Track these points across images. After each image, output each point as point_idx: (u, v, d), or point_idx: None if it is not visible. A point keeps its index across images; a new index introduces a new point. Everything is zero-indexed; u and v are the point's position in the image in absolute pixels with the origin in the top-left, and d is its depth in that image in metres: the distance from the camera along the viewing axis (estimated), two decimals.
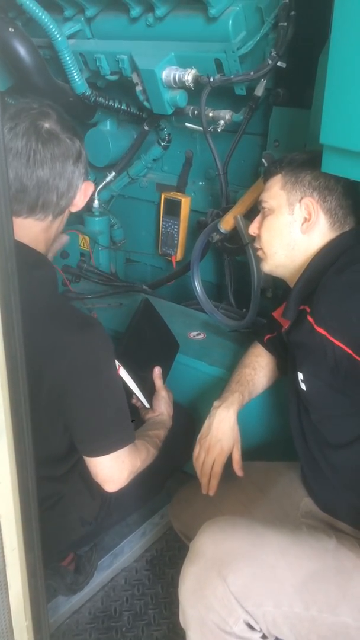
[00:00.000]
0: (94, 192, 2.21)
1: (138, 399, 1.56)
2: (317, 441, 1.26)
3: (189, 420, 1.61)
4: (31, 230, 1.20)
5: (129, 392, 1.55)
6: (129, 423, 1.27)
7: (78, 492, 1.35)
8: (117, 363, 1.46)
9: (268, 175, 1.33)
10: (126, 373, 1.48)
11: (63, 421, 1.23)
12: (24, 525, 0.85)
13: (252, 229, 1.36)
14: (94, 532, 1.45)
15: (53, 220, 1.24)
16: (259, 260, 1.39)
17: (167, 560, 1.80)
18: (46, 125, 1.19)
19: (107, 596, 1.70)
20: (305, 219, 1.25)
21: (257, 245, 1.35)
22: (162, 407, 1.55)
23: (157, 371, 1.58)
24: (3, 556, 0.85)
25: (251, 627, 1.08)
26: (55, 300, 1.24)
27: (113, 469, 1.25)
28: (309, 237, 1.26)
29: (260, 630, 1.08)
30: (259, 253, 1.35)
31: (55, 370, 1.14)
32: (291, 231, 1.27)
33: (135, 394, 1.54)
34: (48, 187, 1.18)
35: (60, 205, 1.23)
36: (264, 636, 1.10)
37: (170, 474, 1.62)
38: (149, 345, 1.62)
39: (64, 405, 1.20)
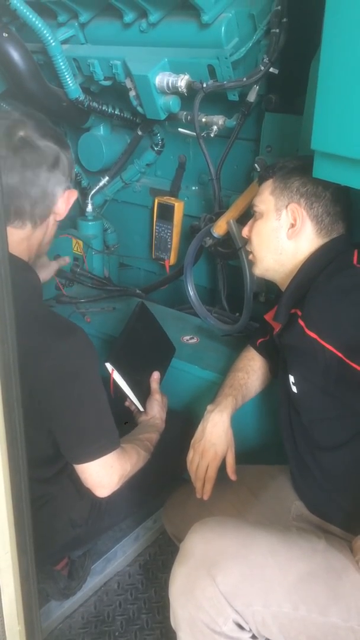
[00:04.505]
0: (88, 196, 2.21)
1: (132, 402, 1.56)
2: (307, 444, 1.26)
3: (187, 426, 1.61)
4: (11, 237, 1.21)
5: (123, 396, 1.55)
6: (112, 428, 1.27)
7: (67, 493, 1.35)
8: (110, 367, 1.47)
9: (261, 179, 1.35)
10: (120, 377, 1.48)
11: (47, 427, 1.23)
12: (17, 528, 0.85)
13: (244, 232, 1.38)
14: (85, 535, 1.44)
15: (33, 229, 1.24)
16: (250, 263, 1.41)
17: (160, 564, 1.80)
18: (20, 133, 1.20)
19: (100, 601, 1.69)
20: (291, 224, 1.27)
21: (248, 248, 1.37)
22: (155, 410, 1.55)
23: (156, 375, 1.58)
24: None
25: (241, 627, 1.08)
26: (37, 307, 1.24)
27: (101, 475, 1.25)
28: (295, 242, 1.27)
29: (250, 631, 1.08)
30: (250, 257, 1.37)
31: (35, 376, 1.14)
32: (278, 236, 1.28)
33: (129, 397, 1.54)
34: (18, 194, 1.19)
35: (36, 213, 1.23)
36: (253, 636, 1.10)
37: (168, 481, 1.61)
38: (144, 349, 1.62)
39: (46, 412, 1.20)
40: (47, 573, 1.59)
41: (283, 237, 1.28)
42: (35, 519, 1.28)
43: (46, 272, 1.77)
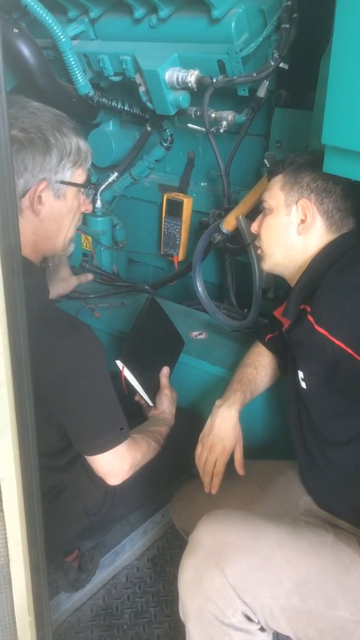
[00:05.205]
0: (97, 192, 2.21)
1: (142, 397, 1.57)
2: (315, 439, 1.26)
3: (195, 421, 1.61)
4: None
5: (133, 391, 1.56)
6: (122, 420, 1.28)
7: (81, 481, 1.36)
8: (120, 364, 1.47)
9: (271, 175, 1.35)
10: (130, 374, 1.49)
11: (57, 422, 1.25)
12: (28, 521, 0.86)
13: (253, 228, 1.38)
14: (98, 524, 1.46)
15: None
16: (259, 258, 1.41)
17: (168, 558, 1.81)
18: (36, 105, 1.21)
19: (109, 594, 1.71)
20: (302, 220, 1.26)
21: (257, 244, 1.37)
22: (165, 405, 1.56)
23: (165, 371, 1.59)
24: (7, 551, 0.86)
25: (249, 619, 1.09)
26: (42, 306, 1.24)
27: (113, 464, 1.27)
28: (305, 238, 1.27)
29: (259, 623, 1.09)
30: (259, 252, 1.37)
31: (43, 375, 1.13)
32: (288, 232, 1.28)
33: (139, 393, 1.55)
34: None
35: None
36: (262, 628, 1.11)
37: (177, 475, 1.62)
38: (154, 344, 1.63)
39: (56, 409, 1.21)
40: (58, 564, 1.61)
41: (293, 233, 1.28)
42: (50, 507, 1.31)
43: (65, 286, 1.76)
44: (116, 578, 1.75)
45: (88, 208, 1.36)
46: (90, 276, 1.91)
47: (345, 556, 1.09)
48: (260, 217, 1.36)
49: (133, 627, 1.61)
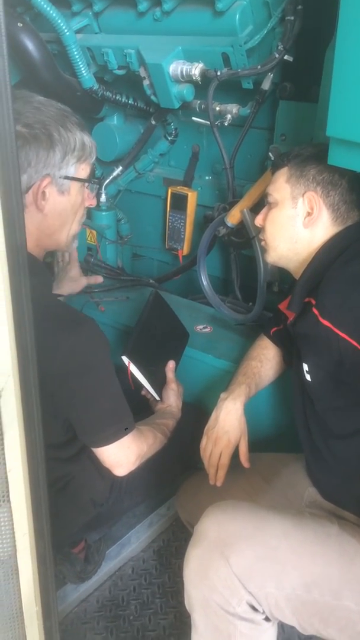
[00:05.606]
0: (102, 186, 2.22)
1: (148, 392, 1.58)
2: (321, 432, 1.27)
3: (200, 414, 1.62)
4: None
5: (139, 386, 1.57)
6: (127, 412, 1.29)
7: (88, 473, 1.37)
8: (126, 360, 1.48)
9: (275, 167, 1.34)
10: (136, 369, 1.50)
11: (62, 414, 1.26)
12: (34, 512, 0.87)
13: (258, 221, 1.37)
14: (105, 516, 1.47)
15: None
16: (263, 251, 1.40)
17: (173, 550, 1.82)
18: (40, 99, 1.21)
19: (115, 585, 1.72)
20: (308, 213, 1.26)
21: (261, 236, 1.37)
22: (172, 399, 1.57)
23: (171, 365, 1.60)
24: (14, 541, 0.87)
25: (254, 609, 1.09)
26: (46, 300, 1.24)
27: (119, 455, 1.28)
28: (311, 231, 1.27)
29: (263, 612, 1.10)
30: (262, 244, 1.37)
31: (47, 369, 1.14)
32: (294, 225, 1.28)
33: (145, 387, 1.56)
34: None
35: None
36: (267, 618, 1.11)
37: (183, 468, 1.63)
38: (159, 338, 1.63)
39: (61, 402, 1.22)
40: (65, 555, 1.63)
41: (299, 226, 1.28)
42: (57, 499, 1.32)
43: (74, 286, 1.76)
44: (122, 570, 1.77)
45: (92, 203, 1.36)
46: (100, 278, 1.92)
47: (350, 547, 1.10)
48: (264, 209, 1.36)
49: (139, 618, 1.62)
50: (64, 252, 1.73)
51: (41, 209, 1.23)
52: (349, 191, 1.26)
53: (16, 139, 0.70)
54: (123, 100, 2.00)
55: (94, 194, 1.37)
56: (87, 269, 2.17)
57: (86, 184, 1.31)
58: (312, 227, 1.26)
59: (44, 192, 1.22)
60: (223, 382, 1.51)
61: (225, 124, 1.76)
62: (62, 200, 1.26)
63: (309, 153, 1.29)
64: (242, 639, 1.10)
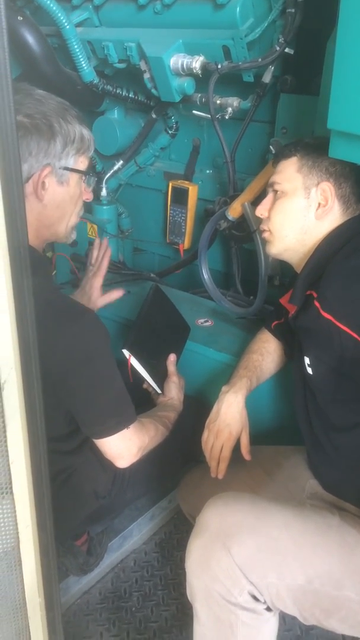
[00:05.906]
0: (103, 180, 2.21)
1: (150, 385, 1.58)
2: (322, 424, 1.27)
3: (202, 407, 1.62)
4: None
5: (141, 379, 1.57)
6: (128, 404, 1.29)
7: (90, 465, 1.38)
8: (127, 353, 1.48)
9: (280, 157, 1.32)
10: (137, 362, 1.50)
11: (64, 406, 1.26)
12: (37, 503, 0.88)
13: (261, 211, 1.35)
14: (108, 507, 1.48)
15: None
16: (265, 243, 1.39)
17: (175, 542, 1.83)
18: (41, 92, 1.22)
19: (117, 577, 1.73)
20: (320, 204, 1.25)
21: (264, 227, 1.34)
22: (173, 392, 1.58)
23: (172, 357, 1.60)
24: (17, 533, 0.88)
25: (256, 599, 1.10)
26: (46, 292, 1.23)
27: (121, 447, 1.29)
28: (321, 222, 1.26)
29: (265, 602, 1.11)
30: (266, 235, 1.34)
31: (48, 360, 1.14)
32: (306, 215, 1.27)
33: (146, 381, 1.57)
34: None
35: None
36: (268, 608, 1.12)
37: (185, 461, 1.64)
38: (160, 331, 1.64)
39: (62, 394, 1.22)
40: (67, 548, 1.64)
41: (311, 217, 1.26)
42: (60, 491, 1.33)
43: (99, 302, 1.67)
44: (124, 562, 1.78)
45: (89, 197, 1.37)
46: (121, 292, 1.73)
47: (351, 538, 1.10)
48: (268, 199, 1.34)
49: (141, 609, 1.63)
50: (96, 259, 1.71)
51: (41, 198, 1.23)
52: (358, 183, 1.26)
53: (18, 129, 0.71)
54: (124, 93, 2.00)
55: (90, 188, 1.38)
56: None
57: (83, 177, 1.31)
58: (323, 218, 1.26)
59: (43, 182, 1.22)
60: (224, 376, 1.51)
61: (226, 118, 1.75)
62: (61, 190, 1.26)
63: (319, 143, 1.27)
64: (243, 629, 1.11)
